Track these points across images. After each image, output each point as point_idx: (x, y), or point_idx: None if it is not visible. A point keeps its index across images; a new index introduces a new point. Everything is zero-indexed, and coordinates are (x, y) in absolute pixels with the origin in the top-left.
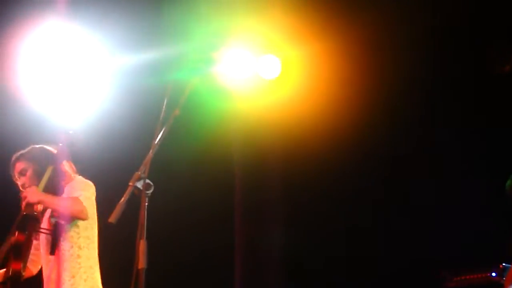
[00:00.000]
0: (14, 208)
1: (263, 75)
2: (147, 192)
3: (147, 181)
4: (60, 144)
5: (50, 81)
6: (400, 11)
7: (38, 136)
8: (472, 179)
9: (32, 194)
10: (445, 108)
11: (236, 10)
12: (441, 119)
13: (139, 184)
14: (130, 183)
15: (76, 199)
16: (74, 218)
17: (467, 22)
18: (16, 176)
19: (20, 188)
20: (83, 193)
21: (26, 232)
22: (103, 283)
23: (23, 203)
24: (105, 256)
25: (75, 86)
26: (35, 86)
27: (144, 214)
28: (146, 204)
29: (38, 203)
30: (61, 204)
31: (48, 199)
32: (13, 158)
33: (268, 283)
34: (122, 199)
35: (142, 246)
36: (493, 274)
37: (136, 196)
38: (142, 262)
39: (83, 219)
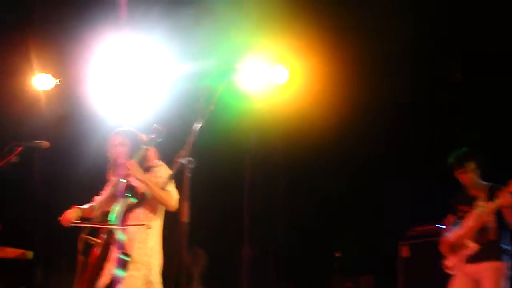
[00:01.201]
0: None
1: (274, 81)
2: (190, 166)
3: (189, 158)
4: (153, 136)
5: (117, 85)
6: (383, 31)
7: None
8: (428, 164)
9: (137, 171)
10: (422, 112)
11: (254, 32)
12: (415, 121)
13: (184, 161)
14: (177, 160)
15: (171, 195)
16: (164, 207)
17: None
18: (115, 145)
19: (112, 158)
20: (172, 188)
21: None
22: None
23: (126, 172)
24: None
25: (136, 90)
26: (104, 89)
27: (187, 182)
28: (189, 175)
29: (141, 181)
30: (162, 195)
31: (152, 184)
32: (114, 132)
33: (270, 236)
34: (171, 171)
35: (185, 205)
36: (440, 225)
37: (181, 170)
38: (185, 217)
39: (170, 210)
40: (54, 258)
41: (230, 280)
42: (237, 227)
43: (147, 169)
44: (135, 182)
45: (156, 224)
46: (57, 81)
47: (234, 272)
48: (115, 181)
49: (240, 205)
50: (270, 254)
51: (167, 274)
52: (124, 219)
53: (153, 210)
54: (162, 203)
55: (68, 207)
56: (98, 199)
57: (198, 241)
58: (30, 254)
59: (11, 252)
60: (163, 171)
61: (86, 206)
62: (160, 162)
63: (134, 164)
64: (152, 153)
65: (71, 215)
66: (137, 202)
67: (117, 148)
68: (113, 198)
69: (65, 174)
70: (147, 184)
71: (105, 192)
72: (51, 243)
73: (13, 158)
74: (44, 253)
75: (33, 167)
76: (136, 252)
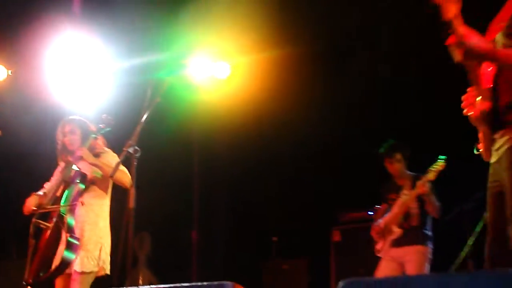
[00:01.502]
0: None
1: (217, 76)
2: (136, 155)
3: (136, 147)
4: (101, 125)
5: (69, 78)
6: (324, 29)
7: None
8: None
9: (89, 156)
10: (359, 108)
11: (199, 30)
12: (352, 117)
13: (131, 150)
14: (124, 149)
15: (125, 172)
16: (118, 184)
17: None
18: (66, 133)
19: (62, 145)
20: (123, 168)
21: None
22: None
23: (75, 160)
24: None
25: (87, 82)
26: (56, 82)
27: (133, 170)
28: (135, 163)
29: (93, 165)
30: (116, 174)
31: (104, 166)
32: (64, 120)
33: (214, 222)
34: (119, 160)
35: (132, 191)
36: (370, 212)
37: (128, 158)
38: (132, 203)
39: (125, 187)
40: (3, 242)
41: (178, 264)
42: (186, 213)
43: (95, 155)
44: (84, 169)
45: (105, 206)
46: (9, 72)
47: (182, 256)
48: (63, 167)
49: (188, 192)
50: (214, 239)
51: (113, 258)
52: (73, 204)
53: (102, 193)
54: (118, 181)
55: (17, 193)
56: (48, 186)
57: (148, 226)
58: None
59: None
60: (110, 157)
61: (40, 192)
62: (107, 149)
63: (85, 150)
64: (101, 142)
65: (31, 202)
66: (85, 188)
67: (68, 136)
68: (62, 183)
69: (15, 162)
70: (100, 167)
71: (54, 178)
72: (0, 227)
73: None
74: None
75: None
76: (88, 233)
